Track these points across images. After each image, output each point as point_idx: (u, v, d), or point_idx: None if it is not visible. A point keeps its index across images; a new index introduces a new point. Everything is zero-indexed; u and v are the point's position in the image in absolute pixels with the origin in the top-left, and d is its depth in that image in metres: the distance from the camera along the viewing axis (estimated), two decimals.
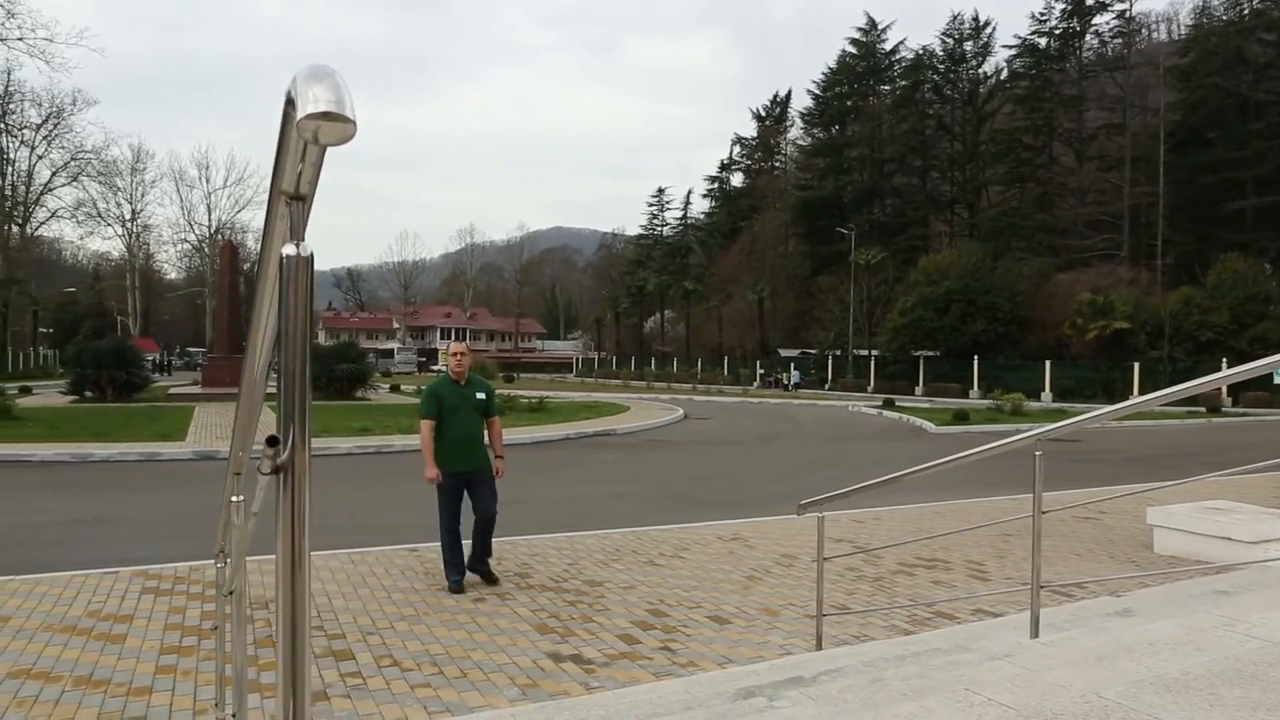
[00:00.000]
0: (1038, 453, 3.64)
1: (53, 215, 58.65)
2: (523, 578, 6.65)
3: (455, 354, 6.60)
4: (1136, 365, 36.27)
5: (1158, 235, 49.55)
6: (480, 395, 6.55)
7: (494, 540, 6.61)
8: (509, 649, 4.98)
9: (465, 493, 6.41)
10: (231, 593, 2.14)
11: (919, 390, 43.60)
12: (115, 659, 4.74)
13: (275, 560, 1.01)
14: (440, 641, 5.11)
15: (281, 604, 1.01)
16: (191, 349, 79.82)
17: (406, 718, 4.01)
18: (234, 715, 2.22)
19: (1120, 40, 57.20)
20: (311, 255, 1.02)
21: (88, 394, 27.75)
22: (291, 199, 1.00)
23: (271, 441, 0.97)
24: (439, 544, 6.46)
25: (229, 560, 2.19)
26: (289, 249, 1.00)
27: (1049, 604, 5.67)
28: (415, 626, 5.40)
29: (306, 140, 0.83)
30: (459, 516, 6.40)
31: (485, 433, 6.62)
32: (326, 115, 0.80)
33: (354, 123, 0.81)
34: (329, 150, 0.91)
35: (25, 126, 52.60)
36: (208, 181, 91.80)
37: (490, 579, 6.41)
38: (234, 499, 2.18)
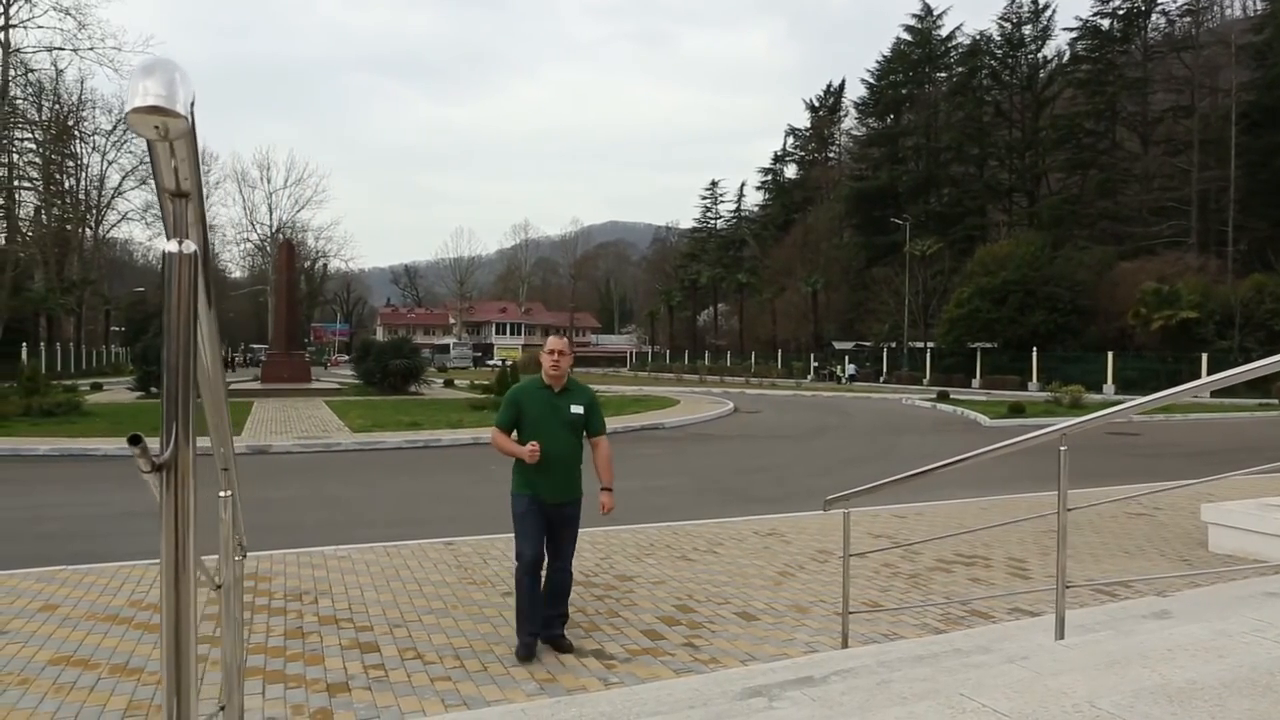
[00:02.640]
0: (1062, 448, 3.52)
1: (123, 218, 60.83)
2: None
3: (551, 351, 5.07)
4: (1205, 356, 35.03)
5: (1228, 221, 47.68)
6: (577, 408, 5.09)
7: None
8: None
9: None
10: (219, 586, 2.16)
11: (976, 383, 42.72)
12: (151, 648, 4.87)
13: (160, 563, 1.00)
14: (465, 635, 5.15)
15: (165, 608, 1.00)
16: (256, 345, 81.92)
17: (424, 710, 4.04)
18: (222, 707, 2.25)
19: (1189, 19, 55.22)
20: (195, 253, 1.00)
21: (153, 390, 28.64)
22: (175, 196, 0.99)
23: (134, 440, 0.96)
24: (475, 538, 6.33)
25: (217, 555, 2.23)
26: (171, 246, 0.99)
27: (1090, 603, 5.50)
28: (442, 620, 5.45)
29: (141, 134, 0.81)
30: (542, 548, 4.98)
31: (580, 454, 5.21)
32: (153, 109, 0.78)
33: (184, 117, 0.79)
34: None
35: (97, 133, 54.48)
36: (269, 181, 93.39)
37: (563, 646, 4.94)
38: (220, 494, 2.22)
